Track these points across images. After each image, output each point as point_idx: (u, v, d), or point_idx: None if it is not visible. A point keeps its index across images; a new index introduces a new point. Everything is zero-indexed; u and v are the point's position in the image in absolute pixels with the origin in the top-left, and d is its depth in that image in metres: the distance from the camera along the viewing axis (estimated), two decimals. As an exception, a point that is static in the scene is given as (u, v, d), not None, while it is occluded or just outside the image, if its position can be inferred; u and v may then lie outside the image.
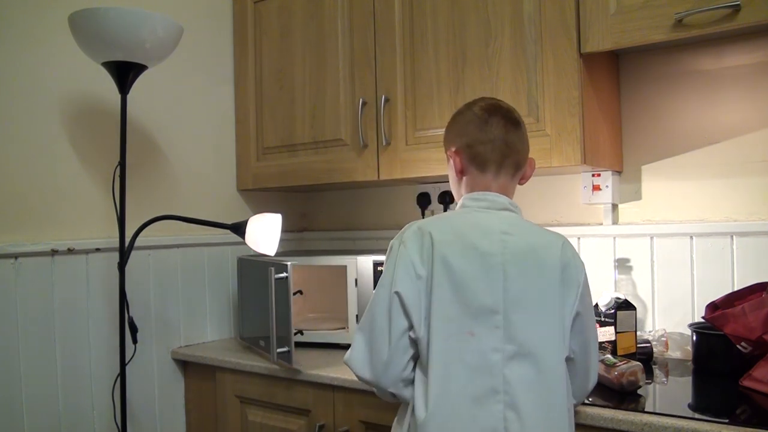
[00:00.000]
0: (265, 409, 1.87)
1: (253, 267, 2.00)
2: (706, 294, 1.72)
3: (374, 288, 1.87)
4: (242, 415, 1.92)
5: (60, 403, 1.78)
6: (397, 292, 1.21)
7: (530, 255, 1.23)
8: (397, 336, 1.21)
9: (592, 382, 1.32)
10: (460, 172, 1.34)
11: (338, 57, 2.07)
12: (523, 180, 1.38)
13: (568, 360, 1.23)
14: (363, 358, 1.24)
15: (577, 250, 1.96)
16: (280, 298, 1.76)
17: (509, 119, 1.33)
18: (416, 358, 1.24)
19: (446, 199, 2.16)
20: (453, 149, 1.35)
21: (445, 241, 1.22)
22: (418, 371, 1.23)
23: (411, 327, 1.21)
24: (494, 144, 1.30)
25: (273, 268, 1.76)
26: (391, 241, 1.29)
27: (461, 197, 1.35)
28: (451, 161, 1.36)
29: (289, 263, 1.74)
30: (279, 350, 1.76)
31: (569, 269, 1.24)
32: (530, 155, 1.39)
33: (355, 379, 1.35)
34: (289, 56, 2.19)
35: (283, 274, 1.74)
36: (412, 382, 1.24)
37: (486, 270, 1.20)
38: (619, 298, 1.73)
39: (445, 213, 1.35)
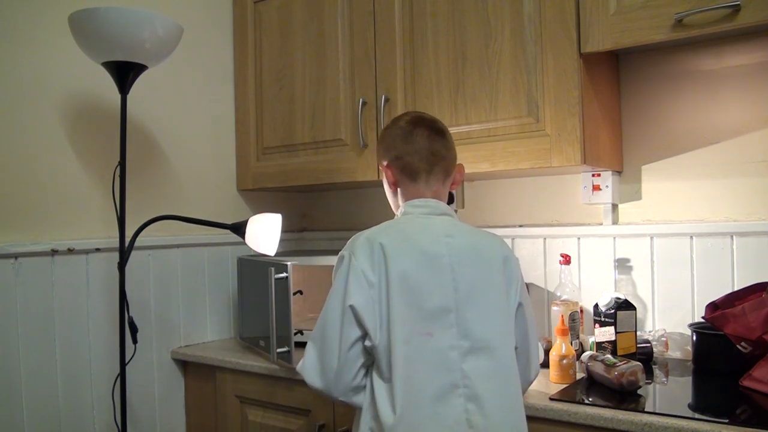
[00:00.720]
0: (265, 409, 1.87)
1: (253, 267, 2.00)
2: (706, 294, 1.72)
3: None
4: (242, 415, 1.92)
5: (60, 403, 1.78)
6: (351, 306, 1.23)
7: (473, 253, 1.30)
8: (347, 346, 1.24)
9: (534, 370, 1.39)
10: (394, 184, 1.40)
11: (338, 57, 2.07)
12: (453, 185, 1.44)
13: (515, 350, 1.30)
14: (314, 367, 1.27)
15: (578, 250, 1.97)
16: (280, 298, 1.76)
17: (433, 129, 1.39)
18: (367, 366, 1.27)
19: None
20: (384, 163, 1.41)
21: (394, 248, 1.26)
22: (375, 377, 1.24)
23: (365, 336, 1.24)
24: (420, 154, 1.36)
25: (273, 268, 1.76)
26: (341, 251, 1.31)
27: (399, 206, 1.41)
28: (384, 175, 1.42)
29: (289, 263, 1.74)
30: (279, 350, 1.76)
31: (509, 263, 1.32)
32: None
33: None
34: (289, 56, 2.19)
35: (283, 274, 1.75)
36: (362, 389, 1.27)
37: (436, 272, 1.26)
38: (619, 298, 1.73)
39: (390, 221, 1.37)
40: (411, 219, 1.35)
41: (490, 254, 1.31)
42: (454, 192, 1.46)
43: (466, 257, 1.28)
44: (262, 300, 1.84)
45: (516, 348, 1.31)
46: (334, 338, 1.25)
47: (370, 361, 1.26)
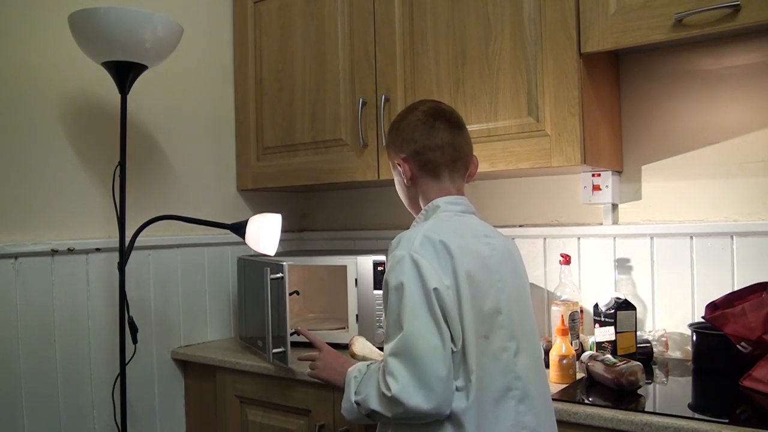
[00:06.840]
0: (265, 409, 1.87)
1: (252, 267, 2.00)
2: (706, 294, 1.72)
3: (374, 288, 1.88)
4: (242, 415, 1.92)
5: (60, 403, 1.78)
6: (436, 291, 1.13)
7: (509, 255, 1.31)
8: (447, 342, 1.12)
9: None
10: (411, 179, 1.32)
11: (338, 57, 2.07)
12: (468, 178, 1.38)
13: None
14: (413, 385, 1.09)
15: (578, 250, 1.97)
16: (275, 298, 1.76)
17: (453, 122, 1.33)
18: None
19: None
20: (401, 157, 1.32)
21: (457, 248, 1.18)
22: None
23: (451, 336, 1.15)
24: (443, 150, 1.30)
25: (269, 269, 1.76)
26: (395, 252, 1.18)
27: (424, 203, 1.32)
28: (400, 169, 1.33)
29: (285, 263, 1.74)
30: (275, 350, 1.76)
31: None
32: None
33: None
34: (289, 56, 2.19)
35: (279, 275, 1.74)
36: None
37: (487, 273, 1.22)
38: (619, 298, 1.73)
39: (437, 219, 1.27)
40: (453, 217, 1.28)
41: (518, 255, 1.34)
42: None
43: (505, 258, 1.27)
44: (261, 300, 1.83)
45: None
46: (432, 343, 1.10)
47: None
